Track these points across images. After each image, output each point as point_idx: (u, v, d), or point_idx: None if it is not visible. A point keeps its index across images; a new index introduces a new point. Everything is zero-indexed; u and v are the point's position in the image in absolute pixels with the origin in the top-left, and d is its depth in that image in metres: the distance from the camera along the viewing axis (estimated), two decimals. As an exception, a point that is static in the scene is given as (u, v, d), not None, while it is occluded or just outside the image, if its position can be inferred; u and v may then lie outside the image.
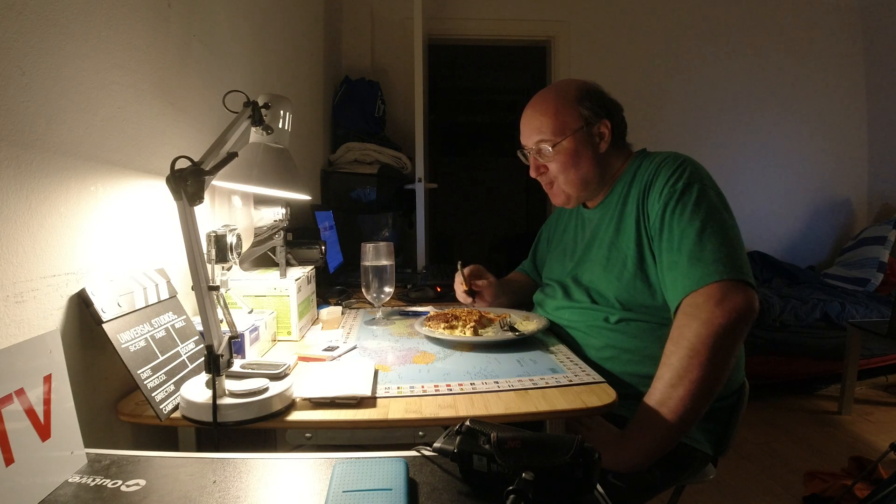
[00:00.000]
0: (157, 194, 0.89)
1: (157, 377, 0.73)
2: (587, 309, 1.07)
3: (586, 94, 1.09)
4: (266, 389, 0.71)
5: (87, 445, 0.58)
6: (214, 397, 0.67)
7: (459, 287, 1.31)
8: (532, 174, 1.15)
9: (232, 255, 0.84)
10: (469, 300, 1.30)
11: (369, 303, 1.24)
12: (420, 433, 0.73)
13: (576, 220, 1.23)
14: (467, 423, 0.56)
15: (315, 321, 1.24)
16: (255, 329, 0.93)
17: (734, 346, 0.89)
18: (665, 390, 0.88)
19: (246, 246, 1.16)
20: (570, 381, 0.83)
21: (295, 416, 0.72)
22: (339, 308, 1.33)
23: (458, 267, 1.28)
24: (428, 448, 0.58)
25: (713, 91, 3.37)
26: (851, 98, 3.46)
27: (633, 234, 1.02)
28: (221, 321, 0.72)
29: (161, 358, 0.76)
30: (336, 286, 1.58)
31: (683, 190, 0.96)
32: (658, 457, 0.91)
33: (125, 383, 0.78)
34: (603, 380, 0.83)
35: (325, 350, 0.97)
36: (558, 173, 1.10)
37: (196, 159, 0.65)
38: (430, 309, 1.34)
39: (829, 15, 3.40)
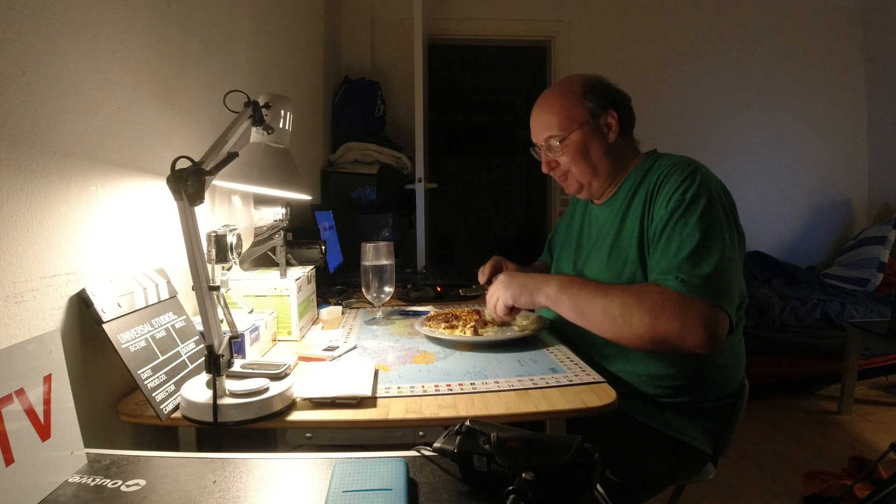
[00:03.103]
0: (157, 194, 0.89)
1: (158, 377, 0.73)
2: (590, 305, 1.07)
3: (591, 88, 1.10)
4: (266, 389, 0.71)
5: (87, 445, 0.58)
6: (215, 397, 0.67)
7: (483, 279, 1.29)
8: (544, 170, 1.15)
9: (232, 255, 0.84)
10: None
11: (369, 303, 1.24)
12: (420, 433, 0.73)
13: (585, 214, 1.24)
14: (467, 423, 0.56)
15: (315, 321, 1.24)
16: (256, 329, 0.93)
17: (661, 350, 0.93)
18: (603, 292, 0.94)
19: (246, 246, 1.16)
20: (571, 380, 0.83)
21: (295, 416, 0.72)
22: (339, 308, 1.33)
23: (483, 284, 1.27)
24: (428, 448, 0.58)
25: (713, 91, 3.37)
26: (851, 98, 3.46)
27: (636, 234, 1.02)
28: (222, 321, 0.72)
29: (161, 358, 0.76)
30: (336, 286, 1.58)
31: (692, 201, 0.95)
32: (528, 293, 1.01)
33: (125, 383, 0.78)
34: (603, 379, 0.83)
35: (326, 350, 0.97)
36: (570, 165, 1.11)
37: (196, 159, 0.65)
38: (430, 309, 1.34)
39: (829, 15, 3.40)
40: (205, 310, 0.67)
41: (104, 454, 0.59)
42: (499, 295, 1.04)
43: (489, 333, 1.05)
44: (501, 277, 1.06)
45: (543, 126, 1.11)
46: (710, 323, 0.86)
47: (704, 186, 0.97)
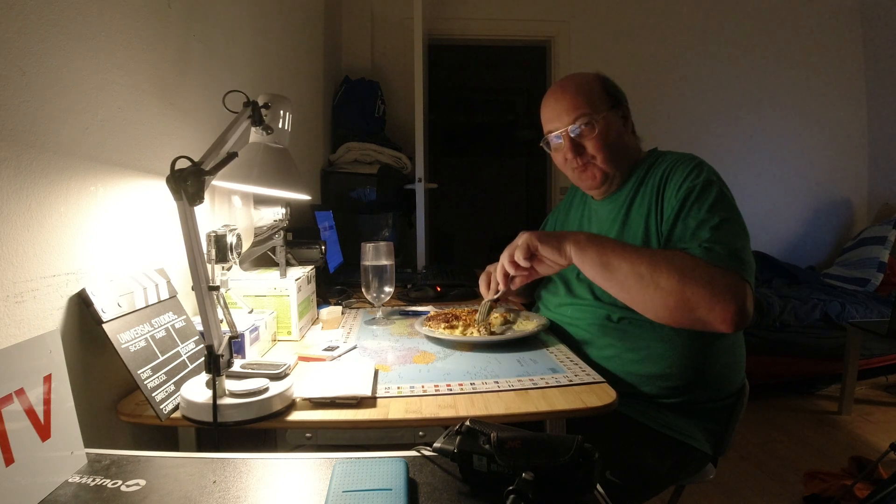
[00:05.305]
0: (157, 194, 0.89)
1: (158, 377, 0.73)
2: (589, 306, 1.07)
3: (605, 81, 1.12)
4: (266, 389, 0.71)
5: (87, 445, 0.58)
6: (214, 397, 0.67)
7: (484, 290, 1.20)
8: (569, 155, 1.09)
9: (232, 255, 0.84)
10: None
11: (369, 303, 1.24)
12: (420, 433, 0.73)
13: (582, 211, 1.23)
14: (467, 423, 0.56)
15: (315, 321, 1.24)
16: (255, 329, 0.93)
17: (686, 321, 0.88)
18: (632, 249, 0.93)
19: (246, 246, 1.16)
20: (571, 380, 0.83)
21: (295, 416, 0.72)
22: (339, 308, 1.33)
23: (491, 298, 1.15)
24: (428, 448, 0.58)
25: (713, 91, 3.37)
26: (851, 98, 3.46)
27: (642, 230, 1.01)
28: (221, 321, 0.72)
29: (161, 358, 0.76)
30: (336, 286, 1.58)
31: (703, 187, 0.96)
32: (554, 243, 0.95)
33: (125, 383, 0.78)
34: (603, 380, 0.83)
35: (325, 350, 0.97)
36: (596, 151, 1.07)
37: (196, 159, 0.65)
38: (430, 309, 1.34)
39: (829, 15, 3.40)
40: (205, 310, 0.67)
41: (104, 454, 0.59)
42: (518, 243, 0.98)
43: (478, 332, 1.05)
44: (522, 233, 1.02)
45: (571, 107, 1.07)
46: (740, 295, 0.84)
47: (712, 175, 0.99)
